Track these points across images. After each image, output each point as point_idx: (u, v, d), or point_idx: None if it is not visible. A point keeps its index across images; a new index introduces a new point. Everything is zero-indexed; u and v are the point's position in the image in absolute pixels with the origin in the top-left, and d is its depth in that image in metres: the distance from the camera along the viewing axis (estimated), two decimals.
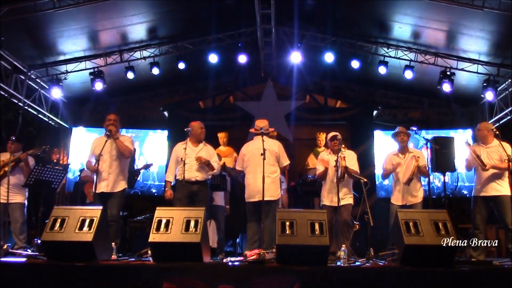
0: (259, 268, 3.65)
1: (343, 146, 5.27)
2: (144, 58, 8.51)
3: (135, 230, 7.39)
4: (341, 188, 5.27)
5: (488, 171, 5.09)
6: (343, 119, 9.61)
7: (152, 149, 9.71)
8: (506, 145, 5.16)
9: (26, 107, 8.38)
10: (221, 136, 7.62)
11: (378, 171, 9.06)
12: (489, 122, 8.82)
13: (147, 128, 9.88)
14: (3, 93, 7.67)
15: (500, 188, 5.08)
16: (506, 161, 4.97)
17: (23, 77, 8.08)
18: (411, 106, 10.20)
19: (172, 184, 5.48)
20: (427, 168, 5.24)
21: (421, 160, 5.29)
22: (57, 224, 3.81)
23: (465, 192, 8.94)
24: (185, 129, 5.39)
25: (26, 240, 5.66)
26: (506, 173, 5.06)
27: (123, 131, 5.66)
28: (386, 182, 7.85)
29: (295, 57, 8.28)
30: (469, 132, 9.32)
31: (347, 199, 5.38)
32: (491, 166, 5.05)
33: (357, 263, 4.33)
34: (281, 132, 9.12)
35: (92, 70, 8.41)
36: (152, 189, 9.55)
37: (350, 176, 5.34)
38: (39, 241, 4.48)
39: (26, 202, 5.76)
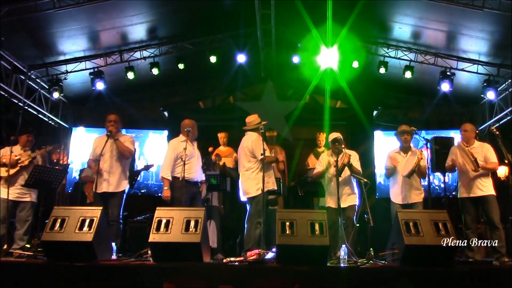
0: (259, 268, 3.65)
1: (343, 146, 5.26)
2: (144, 58, 8.51)
3: (135, 230, 7.39)
4: (344, 188, 5.26)
5: (472, 172, 5.12)
6: (343, 119, 9.60)
7: (152, 149, 9.71)
8: (488, 146, 5.23)
9: (26, 107, 8.38)
10: (221, 136, 7.62)
11: (378, 171, 9.07)
12: (489, 122, 8.85)
13: (147, 128, 9.88)
14: (3, 93, 7.67)
15: (485, 188, 5.11)
16: (498, 164, 5.02)
17: (23, 77, 8.08)
18: (411, 106, 10.20)
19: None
20: (426, 168, 5.23)
21: (422, 160, 5.28)
22: (57, 224, 3.82)
23: None
24: (186, 129, 5.34)
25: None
26: (489, 173, 5.15)
27: (123, 131, 5.61)
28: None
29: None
30: None
31: (351, 199, 5.35)
32: (481, 167, 5.07)
33: (357, 263, 4.33)
34: (281, 132, 9.13)
35: (92, 70, 8.41)
36: (152, 189, 9.54)
37: (352, 173, 5.32)
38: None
39: (36, 201, 5.63)
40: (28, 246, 5.31)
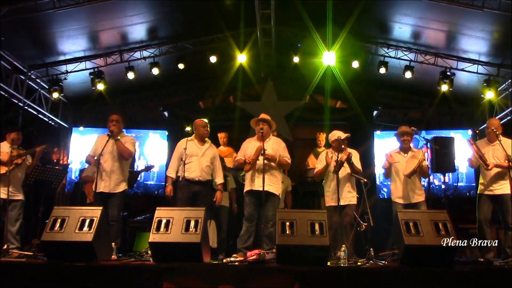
0: (259, 268, 3.65)
1: (343, 146, 5.24)
2: (144, 58, 8.51)
3: (135, 230, 7.39)
4: (344, 187, 5.25)
5: (493, 169, 5.08)
6: (343, 119, 9.60)
7: (152, 149, 9.72)
8: (507, 141, 5.16)
9: (26, 107, 8.38)
10: (221, 136, 7.62)
11: (378, 171, 9.06)
12: None
13: (147, 128, 9.88)
14: (3, 93, 7.67)
15: (504, 187, 5.06)
16: (506, 160, 4.97)
17: (23, 77, 8.08)
18: (411, 106, 10.20)
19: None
20: (428, 168, 5.22)
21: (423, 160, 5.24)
22: (57, 224, 3.82)
23: (465, 192, 8.93)
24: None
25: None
26: (508, 172, 5.05)
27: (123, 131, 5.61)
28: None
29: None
30: (469, 132, 9.32)
31: (351, 198, 5.32)
32: (494, 165, 5.04)
33: (357, 263, 4.33)
34: (281, 132, 9.12)
35: (92, 70, 8.41)
36: (152, 189, 9.54)
37: (352, 171, 5.31)
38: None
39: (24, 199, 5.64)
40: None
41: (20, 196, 5.55)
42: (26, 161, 5.63)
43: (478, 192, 5.31)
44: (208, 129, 5.51)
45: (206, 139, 5.52)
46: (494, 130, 5.18)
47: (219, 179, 5.48)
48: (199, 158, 5.32)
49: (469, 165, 5.44)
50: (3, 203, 5.35)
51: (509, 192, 5.00)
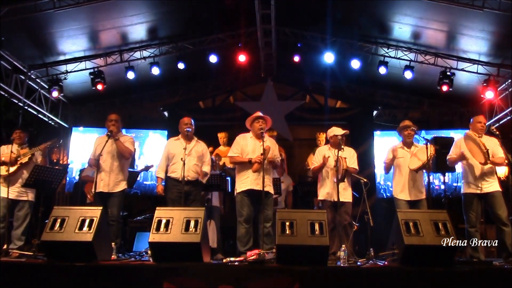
0: (259, 268, 3.65)
1: (342, 146, 5.21)
2: (144, 58, 8.51)
3: (135, 230, 7.40)
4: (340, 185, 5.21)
5: (479, 168, 5.00)
6: (343, 119, 9.61)
7: (152, 149, 9.72)
8: (495, 140, 5.12)
9: (26, 107, 8.38)
10: (221, 136, 7.63)
11: (378, 171, 9.06)
12: (489, 122, 8.81)
13: (147, 128, 9.88)
14: (3, 93, 7.67)
15: (491, 185, 5.00)
16: (505, 159, 4.96)
17: (23, 77, 8.08)
18: (411, 106, 10.20)
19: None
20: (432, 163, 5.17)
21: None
22: (57, 224, 3.82)
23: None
24: (184, 130, 5.37)
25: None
26: (495, 169, 5.06)
27: (123, 131, 5.61)
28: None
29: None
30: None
31: (347, 195, 5.26)
32: (490, 161, 4.96)
33: (357, 263, 4.33)
34: (281, 132, 9.13)
35: (92, 70, 8.40)
36: (152, 189, 9.54)
37: (350, 176, 5.29)
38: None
39: (34, 200, 5.59)
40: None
41: (27, 197, 5.51)
42: (35, 159, 5.63)
43: (463, 191, 5.16)
44: (191, 126, 5.43)
45: (194, 137, 5.48)
46: (493, 129, 5.18)
47: (205, 168, 5.44)
48: (185, 157, 5.20)
49: (452, 163, 5.24)
50: (6, 203, 5.34)
51: (498, 189, 4.99)
